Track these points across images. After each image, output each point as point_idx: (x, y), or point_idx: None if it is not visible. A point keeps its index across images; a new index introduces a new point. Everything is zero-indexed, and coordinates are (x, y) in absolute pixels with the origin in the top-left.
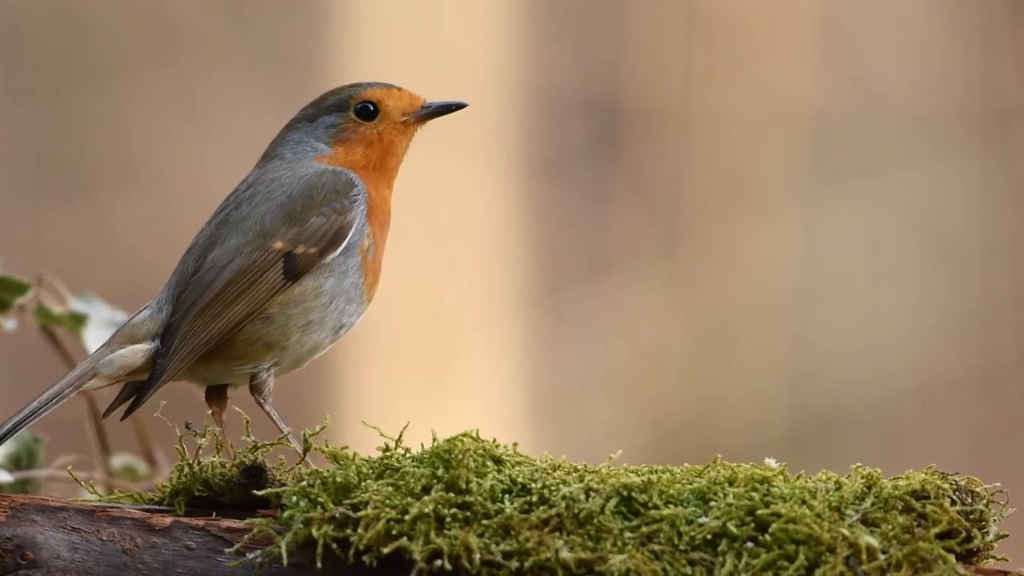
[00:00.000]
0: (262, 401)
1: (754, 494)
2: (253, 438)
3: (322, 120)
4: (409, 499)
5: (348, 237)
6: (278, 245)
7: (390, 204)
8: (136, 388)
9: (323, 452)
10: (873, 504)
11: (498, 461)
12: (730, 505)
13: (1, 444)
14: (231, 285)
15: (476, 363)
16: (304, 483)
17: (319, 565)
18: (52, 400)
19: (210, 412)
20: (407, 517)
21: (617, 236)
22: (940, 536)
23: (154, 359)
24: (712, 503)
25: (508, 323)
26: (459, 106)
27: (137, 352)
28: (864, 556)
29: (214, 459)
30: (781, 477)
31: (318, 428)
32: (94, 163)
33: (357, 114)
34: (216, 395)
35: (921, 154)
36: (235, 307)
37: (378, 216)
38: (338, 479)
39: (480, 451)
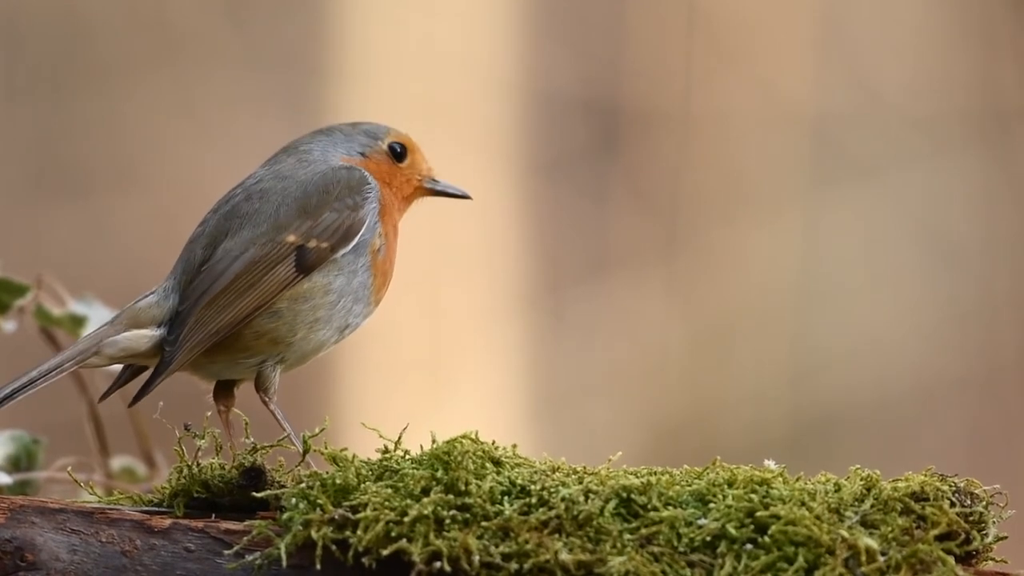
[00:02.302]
0: (267, 399)
1: (753, 496)
2: (252, 439)
3: (357, 138)
4: (408, 501)
5: (360, 234)
6: (291, 238)
7: (399, 223)
8: (135, 372)
9: (322, 454)
10: (872, 506)
11: (497, 463)
12: (729, 507)
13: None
14: (242, 275)
15: (476, 363)
16: (303, 485)
17: (318, 567)
18: (52, 371)
19: (217, 410)
20: (406, 519)
21: (617, 236)
22: (939, 538)
23: (160, 346)
24: (711, 505)
25: (508, 323)
26: (463, 196)
27: (142, 337)
28: (863, 558)
29: (213, 461)
30: (780, 479)
31: (317, 430)
32: (94, 163)
33: (388, 149)
34: (223, 393)
35: (921, 154)
36: (246, 298)
37: (392, 219)
38: (337, 481)
39: (479, 453)
